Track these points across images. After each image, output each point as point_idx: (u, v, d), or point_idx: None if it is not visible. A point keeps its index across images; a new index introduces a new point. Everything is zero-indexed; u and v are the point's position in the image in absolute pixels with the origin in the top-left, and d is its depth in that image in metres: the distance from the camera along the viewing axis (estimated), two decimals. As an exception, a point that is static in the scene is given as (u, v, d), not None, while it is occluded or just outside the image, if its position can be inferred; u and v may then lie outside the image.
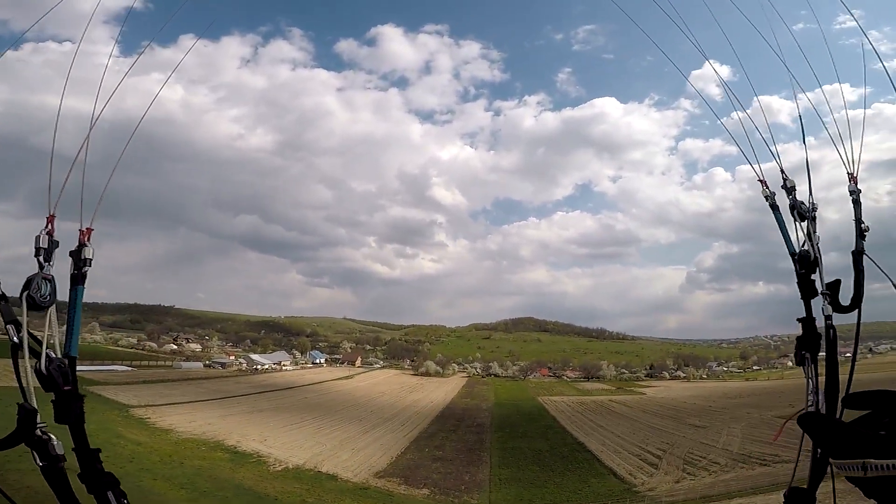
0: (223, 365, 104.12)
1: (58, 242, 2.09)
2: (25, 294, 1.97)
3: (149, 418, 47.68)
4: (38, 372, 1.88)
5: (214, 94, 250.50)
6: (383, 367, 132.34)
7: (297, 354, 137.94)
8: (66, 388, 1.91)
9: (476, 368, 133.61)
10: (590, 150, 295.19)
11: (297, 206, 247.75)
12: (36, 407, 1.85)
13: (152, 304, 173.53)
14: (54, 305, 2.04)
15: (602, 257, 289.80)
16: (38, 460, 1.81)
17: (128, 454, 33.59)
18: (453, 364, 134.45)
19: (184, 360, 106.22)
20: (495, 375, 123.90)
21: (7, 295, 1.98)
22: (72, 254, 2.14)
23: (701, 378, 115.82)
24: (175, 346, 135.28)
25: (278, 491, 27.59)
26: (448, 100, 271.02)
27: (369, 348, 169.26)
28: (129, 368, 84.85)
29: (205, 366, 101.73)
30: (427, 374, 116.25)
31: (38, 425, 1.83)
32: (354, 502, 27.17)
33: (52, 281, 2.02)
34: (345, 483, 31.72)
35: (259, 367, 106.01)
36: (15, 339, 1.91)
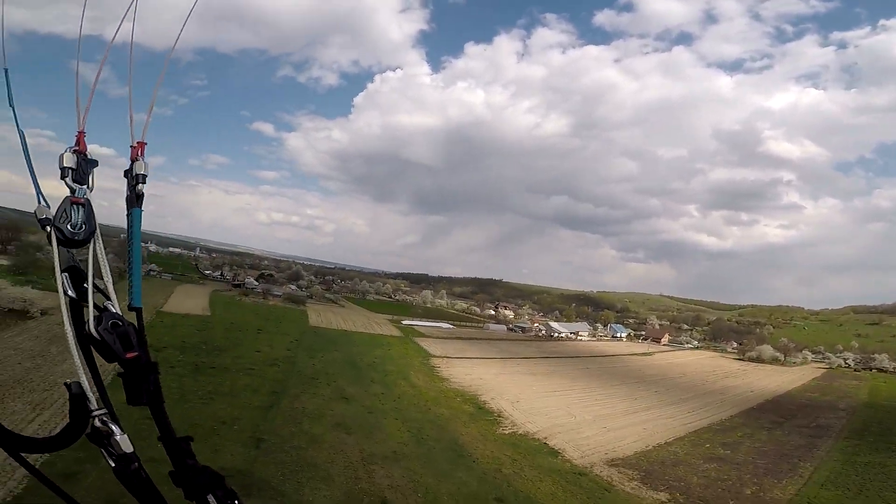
0: (523, 330, 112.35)
1: (95, 162, 1.38)
2: (51, 227, 1.27)
3: (438, 367, 55.61)
4: (86, 336, 1.25)
5: (506, 90, 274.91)
6: (696, 349, 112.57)
7: (599, 327, 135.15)
8: (129, 354, 1.26)
9: (846, 360, 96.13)
10: None
11: (601, 182, 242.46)
12: (86, 387, 1.22)
13: (488, 277, 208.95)
14: (99, 241, 1.32)
15: None
16: (109, 460, 1.25)
17: (398, 394, 39.66)
18: (805, 352, 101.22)
19: (493, 323, 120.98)
20: (879, 370, 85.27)
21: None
22: (125, 174, 1.45)
23: None
24: (492, 312, 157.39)
25: (485, 454, 26.14)
26: (756, 45, 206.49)
27: (686, 328, 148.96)
28: (451, 326, 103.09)
29: (508, 329, 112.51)
30: (758, 359, 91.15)
31: (94, 412, 1.23)
32: (554, 486, 22.55)
33: (86, 205, 1.32)
34: (563, 463, 27.13)
35: (555, 334, 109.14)
36: (70, 291, 1.27)
